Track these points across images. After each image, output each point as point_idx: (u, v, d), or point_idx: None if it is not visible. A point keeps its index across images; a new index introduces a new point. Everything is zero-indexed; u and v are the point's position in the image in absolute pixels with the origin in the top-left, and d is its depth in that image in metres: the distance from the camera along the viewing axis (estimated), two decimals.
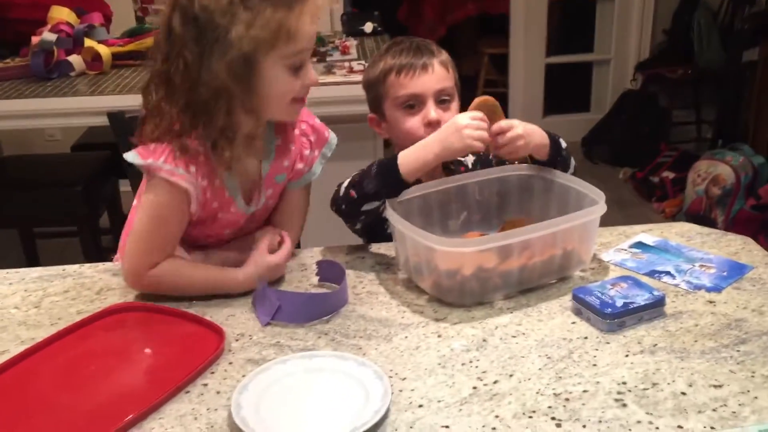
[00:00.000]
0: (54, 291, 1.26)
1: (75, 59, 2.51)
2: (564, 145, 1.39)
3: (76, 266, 1.35)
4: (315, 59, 2.62)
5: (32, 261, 2.84)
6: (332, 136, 1.39)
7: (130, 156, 1.19)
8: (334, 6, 4.11)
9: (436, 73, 1.40)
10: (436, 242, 1.14)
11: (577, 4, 4.79)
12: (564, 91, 4.76)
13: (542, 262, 1.20)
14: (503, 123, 1.28)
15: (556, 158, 1.35)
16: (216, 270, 1.24)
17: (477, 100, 1.31)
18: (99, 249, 2.71)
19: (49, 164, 2.80)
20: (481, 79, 5.37)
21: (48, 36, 2.47)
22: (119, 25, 2.86)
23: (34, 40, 2.49)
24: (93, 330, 1.12)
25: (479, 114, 1.27)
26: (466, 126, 1.24)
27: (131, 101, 2.29)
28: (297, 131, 1.33)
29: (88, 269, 1.34)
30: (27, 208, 2.54)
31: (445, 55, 1.45)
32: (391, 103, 1.44)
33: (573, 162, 1.42)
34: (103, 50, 2.54)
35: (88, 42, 2.56)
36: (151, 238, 1.20)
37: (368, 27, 3.10)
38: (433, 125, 1.37)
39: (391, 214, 1.22)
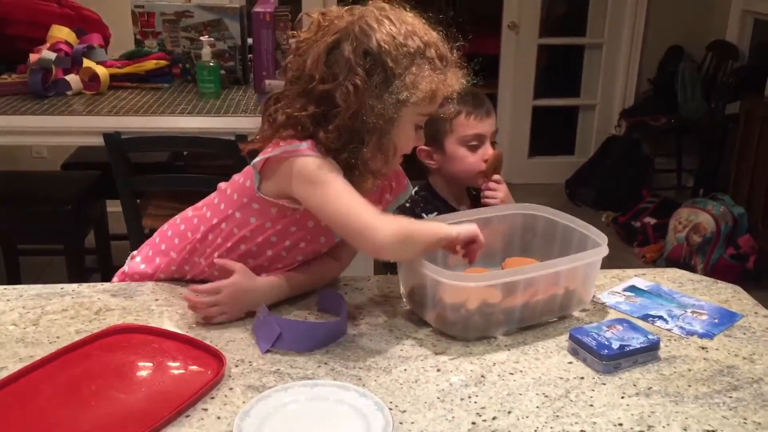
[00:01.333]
0: (52, 309, 1.26)
1: (73, 78, 2.51)
2: None
3: (74, 285, 1.35)
4: None
5: (13, 277, 2.81)
6: (409, 186, 1.42)
7: (261, 158, 1.20)
8: None
9: (492, 119, 1.67)
10: (444, 275, 1.16)
11: (566, 49, 4.91)
12: (549, 134, 4.84)
13: (544, 301, 1.23)
14: (498, 177, 1.64)
15: None
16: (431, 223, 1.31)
17: (494, 155, 1.64)
18: (83, 269, 2.69)
19: (39, 181, 2.79)
20: None
21: (47, 54, 2.47)
22: (118, 47, 2.87)
23: (33, 57, 2.50)
24: (93, 350, 1.12)
25: None
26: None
27: (127, 123, 2.31)
28: None
29: (86, 289, 1.34)
30: (15, 224, 2.52)
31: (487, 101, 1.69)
32: (456, 140, 1.64)
33: None
34: (101, 71, 2.55)
35: (87, 62, 2.57)
36: (354, 203, 1.16)
37: None
38: (487, 158, 1.64)
39: None
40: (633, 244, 3.88)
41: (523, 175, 4.59)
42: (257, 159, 1.21)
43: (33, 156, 3.95)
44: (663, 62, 4.53)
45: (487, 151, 1.64)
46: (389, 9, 1.20)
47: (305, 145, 1.18)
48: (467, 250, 1.25)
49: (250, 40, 2.74)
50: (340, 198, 1.16)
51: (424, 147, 1.61)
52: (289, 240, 1.28)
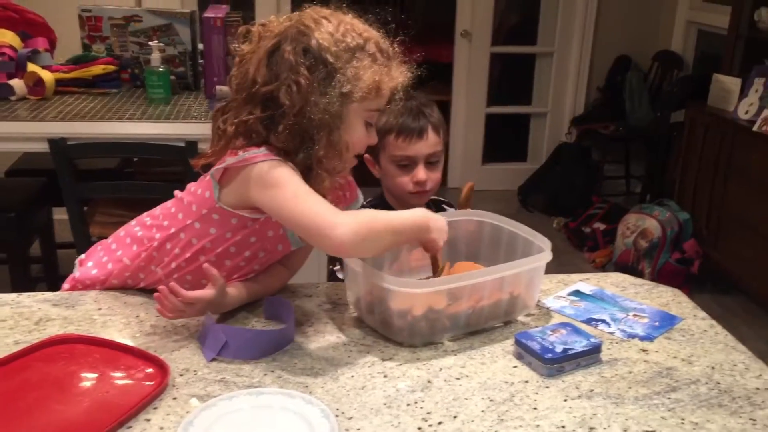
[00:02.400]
0: None
1: (17, 83, 2.45)
2: None
3: (14, 295, 1.31)
4: None
5: None
6: (360, 196, 1.44)
7: (219, 167, 1.20)
8: None
9: (429, 140, 1.58)
10: (390, 282, 1.16)
11: (518, 58, 4.98)
12: (502, 141, 4.91)
13: (489, 306, 1.24)
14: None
15: None
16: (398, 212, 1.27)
17: (466, 188, 1.56)
18: (28, 278, 2.62)
19: None
20: None
21: None
22: (64, 51, 2.81)
23: None
24: (32, 361, 1.09)
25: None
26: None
27: (73, 128, 2.27)
28: (342, 180, 1.35)
29: (26, 299, 1.30)
30: None
31: (437, 119, 1.61)
32: (387, 157, 1.60)
33: None
34: (47, 76, 2.50)
35: (31, 67, 2.51)
36: (312, 200, 1.15)
37: None
38: (420, 184, 1.59)
39: None
40: (583, 250, 3.95)
41: (477, 181, 4.54)
42: (215, 168, 1.21)
43: None
44: (611, 71, 4.64)
45: (418, 173, 1.57)
46: (327, 11, 1.22)
47: (261, 151, 1.18)
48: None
49: (201, 46, 2.72)
50: (298, 198, 1.16)
51: (367, 156, 1.61)
52: (249, 251, 1.27)
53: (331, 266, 1.62)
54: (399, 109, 1.55)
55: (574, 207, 4.22)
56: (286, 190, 1.16)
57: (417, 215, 1.22)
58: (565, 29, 4.60)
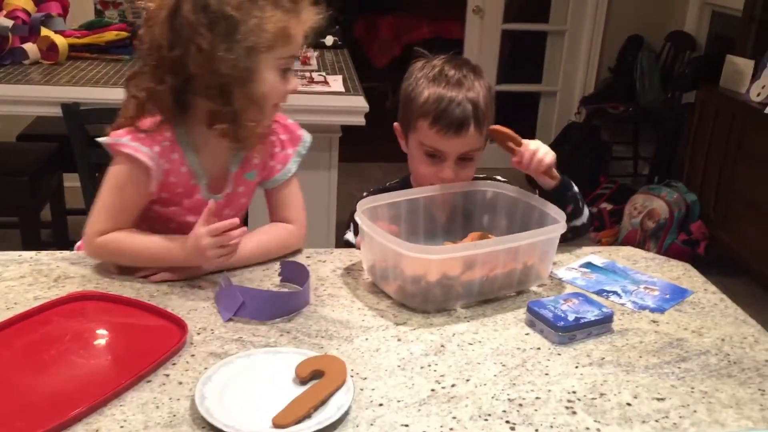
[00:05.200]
0: (9, 276, 1.24)
1: (30, 47, 2.46)
2: (575, 188, 1.48)
3: (32, 252, 1.33)
4: None
5: None
6: (306, 135, 1.43)
7: (103, 139, 1.25)
8: None
9: (469, 138, 1.37)
10: (405, 248, 1.17)
11: (529, 35, 4.95)
12: (511, 119, 4.88)
13: (503, 275, 1.25)
14: (523, 144, 1.40)
15: (565, 193, 1.43)
16: (160, 239, 1.26)
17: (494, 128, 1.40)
18: (39, 242, 2.64)
19: None
20: None
21: (3, 21, 2.42)
22: (78, 17, 2.82)
23: None
24: (52, 315, 1.11)
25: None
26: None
27: (86, 93, 2.27)
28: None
29: (45, 256, 1.32)
30: None
31: (483, 107, 1.38)
32: (415, 141, 1.42)
33: (587, 212, 1.50)
34: (60, 40, 2.50)
35: (45, 31, 2.52)
36: (105, 207, 1.26)
37: (329, 40, 3.14)
38: (446, 182, 1.41)
39: (361, 219, 1.25)
40: (589, 229, 3.95)
41: (485, 159, 4.58)
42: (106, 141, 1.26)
43: None
44: (623, 51, 4.61)
45: (445, 171, 1.39)
46: None
47: (125, 140, 1.24)
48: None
49: None
50: (100, 195, 1.27)
51: (397, 125, 1.48)
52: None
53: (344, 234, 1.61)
54: (439, 80, 1.38)
55: (582, 186, 4.18)
56: (104, 187, 1.27)
57: (180, 256, 1.23)
58: (578, 7, 4.56)
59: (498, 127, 1.41)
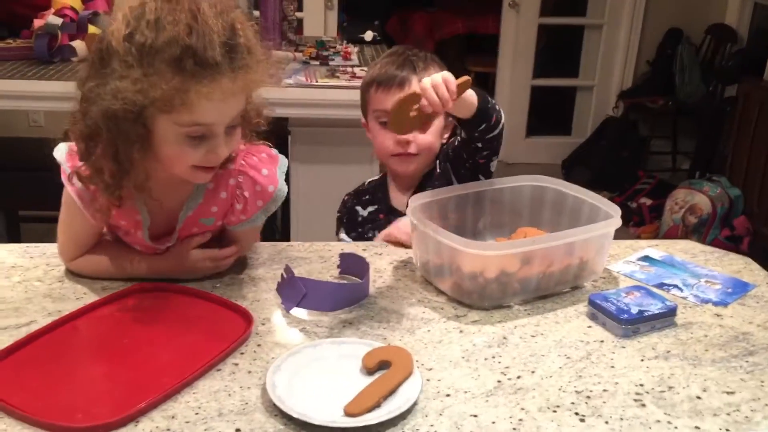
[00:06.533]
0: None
1: (78, 45, 2.49)
2: (492, 100, 1.30)
3: None
4: (318, 62, 2.66)
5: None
6: (278, 192, 1.24)
7: (60, 149, 1.20)
8: (328, 13, 4.18)
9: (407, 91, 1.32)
10: (462, 244, 1.17)
11: (566, 30, 4.91)
12: (547, 114, 4.86)
13: (559, 271, 1.24)
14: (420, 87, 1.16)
15: (486, 106, 1.27)
16: (124, 261, 1.23)
17: (397, 99, 1.21)
18: None
19: (43, 147, 2.76)
20: None
21: (53, 19, 2.45)
22: None
23: (38, 22, 2.48)
24: (122, 305, 1.13)
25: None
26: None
27: None
28: (233, 181, 1.22)
29: None
30: (18, 190, 2.51)
31: (431, 69, 1.39)
32: (371, 114, 1.47)
33: (502, 117, 1.32)
34: None
35: (92, 29, 2.55)
36: (65, 235, 1.24)
37: (368, 35, 3.14)
38: (402, 145, 1.41)
39: (415, 217, 1.25)
40: (629, 225, 3.91)
41: (521, 154, 4.61)
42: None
43: (30, 124, 3.91)
44: (662, 44, 4.55)
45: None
46: None
47: (63, 160, 1.19)
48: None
49: (256, 13, 2.73)
50: (59, 222, 1.24)
51: (363, 120, 1.50)
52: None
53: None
54: (386, 60, 1.44)
55: (620, 182, 4.18)
56: (61, 212, 1.23)
57: (154, 270, 1.22)
58: (616, 1, 4.51)
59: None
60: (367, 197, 1.58)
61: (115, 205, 1.15)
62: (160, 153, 1.10)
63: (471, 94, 1.24)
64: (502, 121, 1.33)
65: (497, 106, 1.32)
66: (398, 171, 1.49)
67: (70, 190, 1.18)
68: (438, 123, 1.45)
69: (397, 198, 1.54)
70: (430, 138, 1.44)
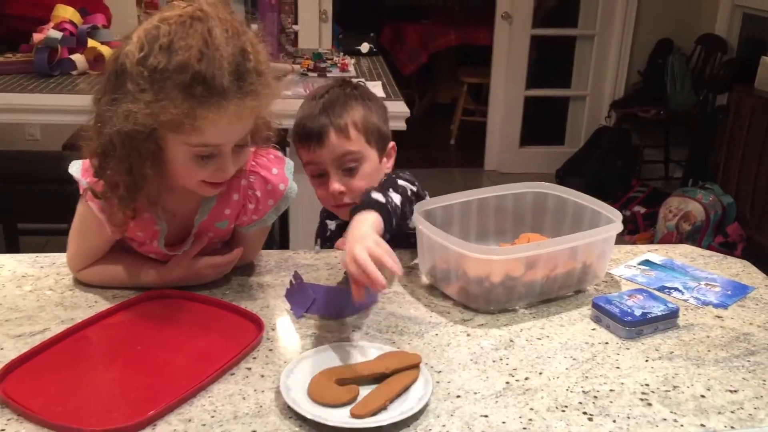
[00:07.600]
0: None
1: (78, 58, 2.52)
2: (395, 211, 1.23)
3: None
4: (315, 74, 2.69)
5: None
6: (289, 190, 1.28)
7: (75, 165, 1.24)
8: (323, 25, 4.22)
9: (331, 144, 1.35)
10: (468, 249, 1.19)
11: (558, 41, 4.97)
12: (540, 124, 4.91)
13: (563, 275, 1.26)
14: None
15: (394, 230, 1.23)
16: (132, 270, 1.25)
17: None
18: None
19: (43, 161, 2.78)
20: (459, 108, 5.50)
21: (53, 33, 2.48)
22: (121, 28, 2.85)
23: (38, 36, 2.50)
24: (134, 312, 1.14)
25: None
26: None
27: None
28: (244, 182, 1.25)
29: None
30: (17, 202, 2.52)
31: (347, 116, 1.36)
32: (304, 166, 1.42)
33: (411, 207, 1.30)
34: (106, 51, 2.55)
35: (92, 42, 2.58)
36: (76, 247, 1.26)
37: (365, 47, 3.18)
38: (336, 197, 1.38)
39: (421, 223, 1.27)
40: (623, 233, 3.94)
41: (515, 164, 4.66)
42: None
43: (26, 138, 3.93)
44: (653, 55, 4.61)
45: (331, 184, 1.36)
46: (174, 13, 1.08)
47: (79, 176, 1.23)
48: None
49: (254, 26, 2.75)
50: (71, 233, 1.27)
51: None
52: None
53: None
54: (310, 104, 1.40)
55: (613, 190, 4.21)
56: (73, 224, 1.27)
57: (163, 278, 1.24)
58: (607, 11, 4.57)
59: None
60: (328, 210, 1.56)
61: (131, 217, 1.18)
62: (171, 168, 1.14)
63: (380, 230, 1.15)
64: (414, 212, 1.29)
65: (399, 210, 1.23)
66: (344, 218, 1.43)
67: (92, 204, 1.20)
68: (368, 167, 1.39)
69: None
70: (362, 183, 1.37)
